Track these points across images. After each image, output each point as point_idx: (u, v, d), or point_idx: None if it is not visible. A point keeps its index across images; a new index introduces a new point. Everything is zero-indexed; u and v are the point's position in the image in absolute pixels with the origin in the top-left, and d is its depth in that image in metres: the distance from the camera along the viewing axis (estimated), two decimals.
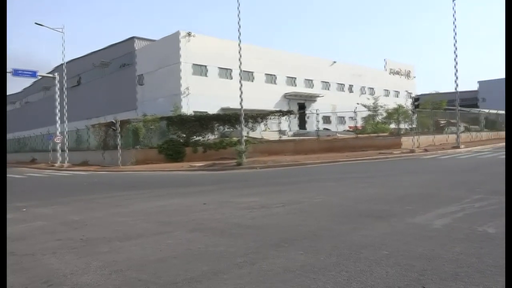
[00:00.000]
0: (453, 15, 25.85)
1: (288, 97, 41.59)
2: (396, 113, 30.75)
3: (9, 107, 60.93)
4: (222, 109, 33.47)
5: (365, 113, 34.68)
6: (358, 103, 33.51)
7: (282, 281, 3.51)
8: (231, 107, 31.12)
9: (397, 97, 52.98)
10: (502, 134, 39.93)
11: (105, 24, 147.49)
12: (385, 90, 54.15)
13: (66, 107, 31.07)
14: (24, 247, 5.30)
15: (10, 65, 28.02)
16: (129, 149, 26.04)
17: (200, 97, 33.73)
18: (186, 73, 34.45)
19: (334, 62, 47.99)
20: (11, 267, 4.26)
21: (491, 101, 64.81)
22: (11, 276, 3.98)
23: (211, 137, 27.78)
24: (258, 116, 28.65)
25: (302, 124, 40.22)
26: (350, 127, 39.30)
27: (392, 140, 26.31)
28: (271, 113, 30.25)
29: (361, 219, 6.02)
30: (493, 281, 3.29)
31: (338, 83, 48.56)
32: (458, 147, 24.79)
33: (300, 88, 43.44)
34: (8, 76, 26.27)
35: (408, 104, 32.01)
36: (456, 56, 25.82)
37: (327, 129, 36.72)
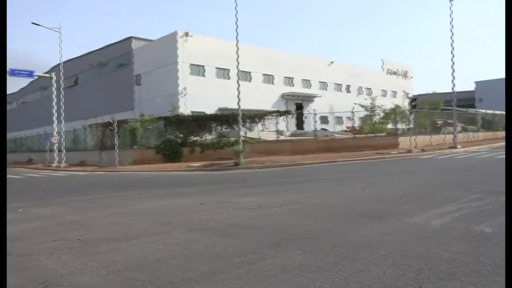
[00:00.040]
0: (450, 15, 25.97)
1: (285, 97, 41.64)
2: (393, 113, 30.78)
3: None
4: (220, 109, 33.47)
5: (363, 113, 34.74)
6: (355, 103, 33.55)
7: (280, 281, 3.51)
8: (228, 107, 31.14)
9: (395, 97, 53.16)
10: (499, 134, 40.17)
11: (105, 24, 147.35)
12: (383, 90, 54.29)
13: (63, 107, 30.98)
14: (21, 248, 5.29)
15: (10, 65, 27.89)
16: (126, 149, 25.99)
17: (198, 97, 33.72)
18: (184, 73, 34.44)
19: (332, 62, 48.07)
20: (8, 268, 4.23)
21: (487, 101, 65.08)
22: (8, 276, 3.96)
23: (208, 137, 27.75)
24: (256, 116, 28.67)
25: (299, 124, 40.25)
26: (347, 127, 39.35)
27: (390, 140, 26.38)
28: (269, 113, 30.26)
29: (359, 219, 6.03)
30: (490, 281, 3.30)
31: (335, 83, 48.66)
32: (455, 147, 24.87)
33: (298, 88, 43.51)
34: None
35: (405, 104, 32.13)
36: (453, 56, 25.92)
37: (324, 129, 36.77)
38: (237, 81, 21.12)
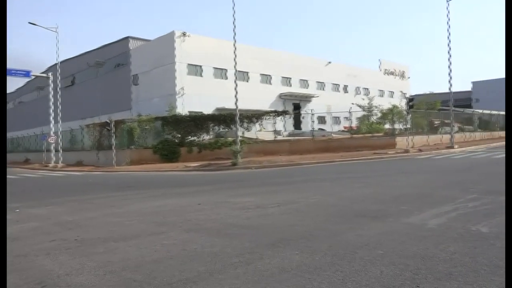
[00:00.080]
0: (447, 15, 26.07)
1: (283, 97, 41.66)
2: (390, 113, 30.89)
3: None
4: (217, 109, 33.46)
5: (360, 113, 34.84)
6: (353, 103, 33.65)
7: (278, 281, 3.51)
8: (226, 107, 31.13)
9: (392, 97, 53.28)
10: (496, 134, 40.37)
11: (104, 24, 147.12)
12: (380, 90, 54.43)
13: (60, 107, 30.86)
14: (17, 248, 5.26)
15: (9, 65, 27.76)
16: (123, 149, 25.93)
17: (195, 97, 33.70)
18: (181, 73, 34.41)
19: (329, 62, 48.15)
20: None
21: (484, 101, 65.40)
22: None
23: (206, 137, 27.73)
24: (253, 116, 28.66)
25: (297, 124, 40.30)
26: (345, 127, 39.45)
27: (387, 140, 26.44)
28: (266, 113, 30.27)
29: (356, 219, 6.04)
30: (487, 280, 3.31)
31: (333, 84, 48.74)
32: (452, 147, 24.96)
33: (295, 88, 43.55)
34: None
35: (402, 104, 32.20)
36: (450, 56, 26.03)
37: (322, 129, 36.82)
38: (235, 81, 21.11)
